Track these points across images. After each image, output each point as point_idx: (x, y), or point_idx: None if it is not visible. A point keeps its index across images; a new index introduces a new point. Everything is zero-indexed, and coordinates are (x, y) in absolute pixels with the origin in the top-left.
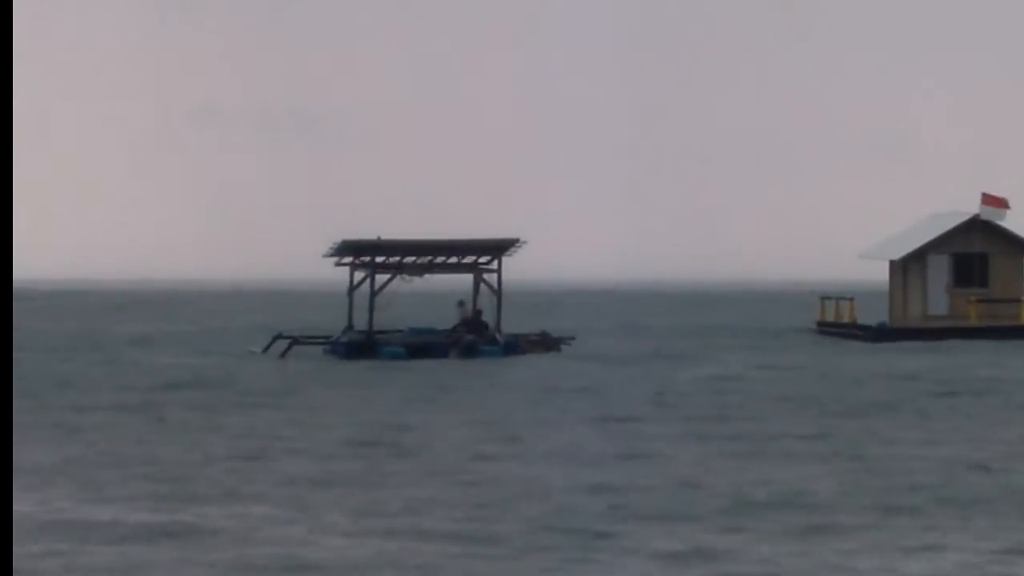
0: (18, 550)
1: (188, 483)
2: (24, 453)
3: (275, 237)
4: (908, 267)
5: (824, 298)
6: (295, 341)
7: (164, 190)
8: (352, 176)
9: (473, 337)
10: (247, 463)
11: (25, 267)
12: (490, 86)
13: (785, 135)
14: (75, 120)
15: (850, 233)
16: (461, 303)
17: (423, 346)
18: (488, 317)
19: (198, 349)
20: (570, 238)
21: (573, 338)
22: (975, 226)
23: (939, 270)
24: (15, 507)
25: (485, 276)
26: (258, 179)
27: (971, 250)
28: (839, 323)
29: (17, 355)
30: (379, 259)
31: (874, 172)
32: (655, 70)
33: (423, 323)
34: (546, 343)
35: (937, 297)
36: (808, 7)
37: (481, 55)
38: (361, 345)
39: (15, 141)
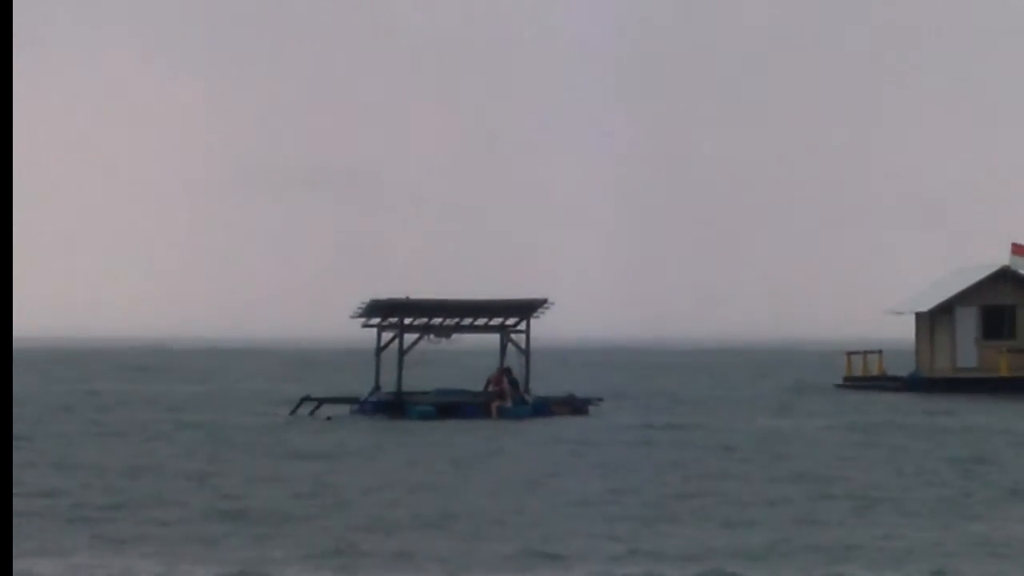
0: None
1: None
2: None
3: (303, 297)
4: (936, 320)
5: (851, 353)
6: (322, 403)
7: (190, 249)
8: (380, 235)
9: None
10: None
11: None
12: (515, 143)
13: (812, 194)
14: (105, 179)
15: (874, 292)
16: (508, 369)
17: (453, 406)
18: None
19: (243, 410)
20: (590, 298)
21: (601, 399)
22: (1004, 278)
23: (967, 322)
24: None
25: (513, 336)
26: (285, 237)
27: (1000, 302)
28: (867, 377)
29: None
30: (407, 320)
31: (902, 231)
32: (680, 123)
33: (451, 384)
34: (574, 405)
35: (966, 350)
36: (835, 60)
37: (507, 112)
38: (389, 405)
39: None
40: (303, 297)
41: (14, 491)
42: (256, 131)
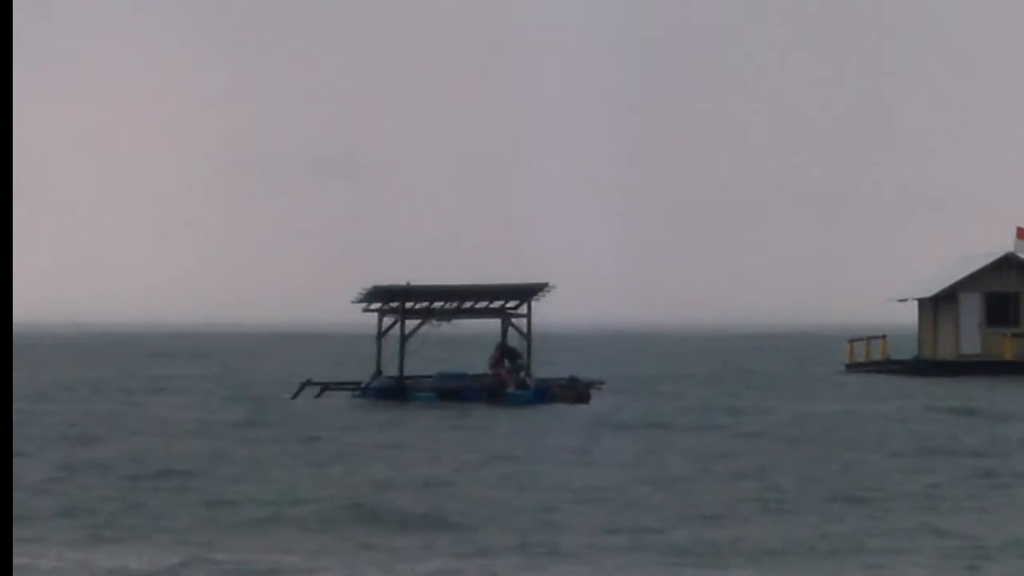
0: None
1: None
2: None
3: (305, 282)
4: (939, 306)
5: (853, 340)
6: (325, 387)
7: (194, 237)
8: (384, 222)
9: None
10: None
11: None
12: (518, 128)
13: (811, 182)
14: (106, 176)
15: (878, 280)
16: (506, 345)
17: (455, 391)
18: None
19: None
20: (592, 282)
21: (603, 382)
22: (1008, 264)
23: (971, 309)
24: None
25: (514, 320)
26: (289, 225)
27: (1004, 289)
28: (871, 362)
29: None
30: (408, 304)
31: (904, 219)
32: (687, 109)
33: (452, 368)
34: (576, 388)
35: (969, 336)
36: (835, 54)
37: (515, 103)
38: (392, 390)
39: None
40: (304, 282)
41: (19, 482)
42: (259, 120)
